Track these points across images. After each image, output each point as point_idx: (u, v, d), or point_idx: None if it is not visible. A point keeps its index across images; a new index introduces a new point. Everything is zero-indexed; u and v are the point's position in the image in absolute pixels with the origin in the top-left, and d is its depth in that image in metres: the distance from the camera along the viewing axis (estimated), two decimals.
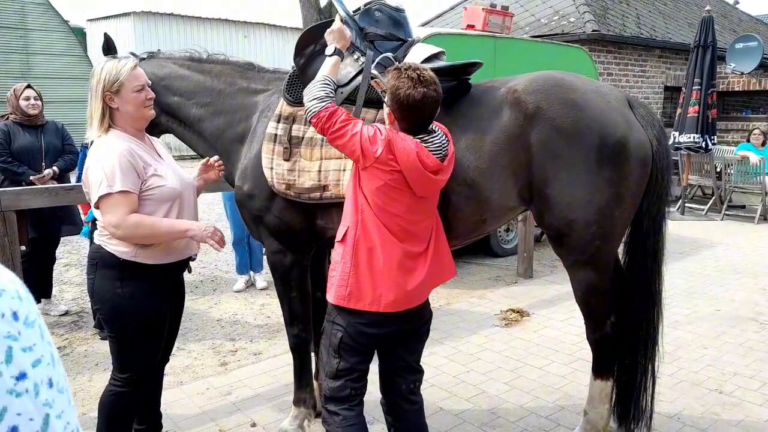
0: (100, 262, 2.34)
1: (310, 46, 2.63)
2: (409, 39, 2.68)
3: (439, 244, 2.34)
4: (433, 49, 2.67)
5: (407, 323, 2.30)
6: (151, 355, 2.48)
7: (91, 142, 2.37)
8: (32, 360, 0.65)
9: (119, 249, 2.31)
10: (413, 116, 2.14)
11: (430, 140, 2.18)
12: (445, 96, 2.33)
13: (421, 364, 2.48)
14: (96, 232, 2.39)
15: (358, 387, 2.32)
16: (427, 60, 2.57)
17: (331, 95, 2.26)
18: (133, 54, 2.81)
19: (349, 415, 2.29)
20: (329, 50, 2.42)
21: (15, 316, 0.64)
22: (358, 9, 2.66)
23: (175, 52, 3.03)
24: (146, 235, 2.28)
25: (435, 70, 2.36)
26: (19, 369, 0.63)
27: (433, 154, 2.16)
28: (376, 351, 2.39)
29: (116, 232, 2.25)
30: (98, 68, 2.34)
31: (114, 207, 2.22)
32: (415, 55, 2.59)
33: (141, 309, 2.36)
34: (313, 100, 2.22)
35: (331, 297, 2.25)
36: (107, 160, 2.23)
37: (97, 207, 2.29)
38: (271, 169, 2.61)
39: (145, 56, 2.95)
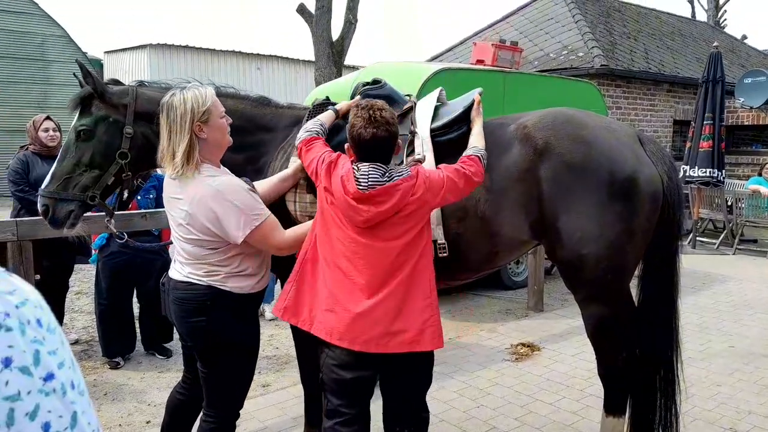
0: (214, 302, 2.27)
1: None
2: (407, 101, 2.75)
3: (411, 303, 2.18)
4: (432, 100, 2.75)
5: (379, 369, 2.22)
6: (249, 385, 2.53)
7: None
8: (57, 362, 0.69)
9: (240, 285, 2.30)
10: (366, 154, 2.19)
11: (360, 167, 2.18)
12: (459, 137, 2.56)
13: (425, 406, 2.38)
14: (192, 273, 2.29)
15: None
16: (436, 110, 2.71)
17: (317, 130, 2.46)
18: (116, 81, 2.74)
19: None
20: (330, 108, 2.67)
21: (39, 323, 0.69)
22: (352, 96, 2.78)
23: (170, 81, 2.78)
24: (302, 236, 2.35)
25: (452, 120, 2.62)
26: (47, 370, 0.67)
27: (357, 182, 2.14)
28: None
29: (284, 251, 2.34)
30: (177, 100, 2.21)
31: (273, 230, 2.28)
32: (423, 114, 2.69)
33: (257, 342, 2.47)
34: (303, 131, 2.47)
35: (274, 308, 2.37)
36: (235, 192, 2.19)
37: (243, 242, 2.23)
38: (294, 202, 2.64)
39: (135, 84, 2.74)
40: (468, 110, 2.64)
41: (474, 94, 2.70)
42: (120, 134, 2.58)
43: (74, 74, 2.91)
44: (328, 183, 2.22)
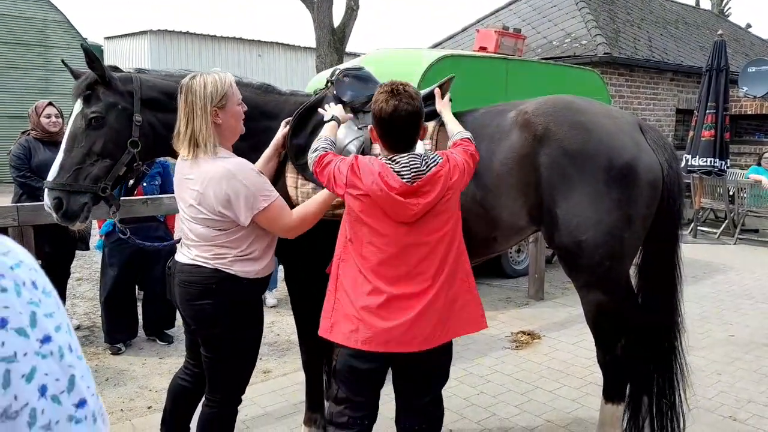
0: (219, 286, 2.28)
1: (307, 127, 2.70)
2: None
3: (454, 290, 2.18)
4: None
5: (396, 362, 2.19)
6: (252, 371, 2.53)
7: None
8: (54, 325, 0.68)
9: (246, 269, 2.30)
10: (390, 131, 2.10)
11: (398, 160, 2.08)
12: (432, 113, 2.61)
13: (441, 403, 2.35)
14: (199, 255, 2.30)
15: (357, 417, 2.24)
16: None
17: (324, 146, 2.31)
18: (115, 68, 2.63)
19: None
20: (327, 117, 2.51)
21: (34, 285, 0.68)
22: (330, 83, 2.83)
23: (172, 71, 2.79)
24: (311, 218, 2.36)
25: (424, 96, 2.61)
26: (44, 332, 0.66)
27: (399, 175, 2.04)
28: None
29: (292, 233, 2.34)
30: (197, 83, 2.22)
31: (281, 212, 2.29)
32: None
33: (260, 325, 2.48)
34: (312, 153, 2.32)
35: (319, 329, 2.25)
36: (246, 173, 2.22)
37: (250, 223, 2.24)
38: (296, 188, 2.65)
39: (133, 71, 2.67)
40: (440, 86, 2.72)
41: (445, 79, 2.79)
42: (129, 122, 2.51)
43: (62, 61, 2.86)
44: (360, 185, 2.07)
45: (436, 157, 2.12)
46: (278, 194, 2.32)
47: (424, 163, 2.08)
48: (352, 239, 2.15)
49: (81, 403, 0.69)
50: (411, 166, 2.05)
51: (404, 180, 2.03)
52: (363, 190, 2.06)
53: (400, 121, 2.06)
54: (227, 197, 2.20)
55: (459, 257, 2.20)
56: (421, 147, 2.57)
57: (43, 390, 0.64)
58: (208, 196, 2.20)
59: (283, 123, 2.71)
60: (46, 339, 0.66)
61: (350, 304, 2.13)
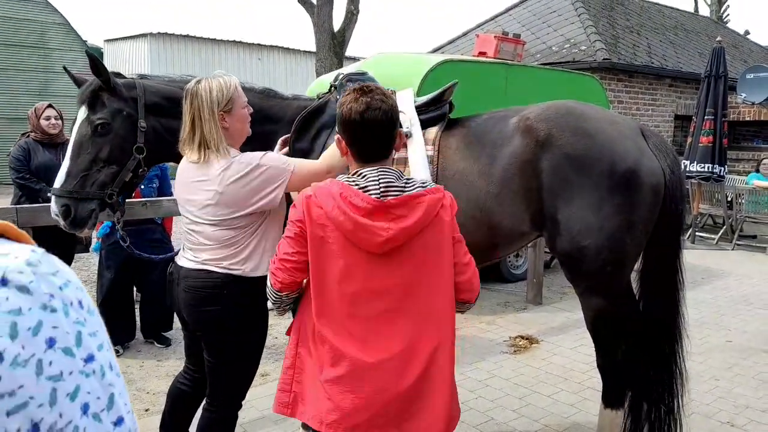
0: (228, 290, 2.24)
1: (310, 130, 2.74)
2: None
3: (436, 365, 1.76)
4: (408, 93, 2.83)
5: None
6: (253, 376, 2.50)
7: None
8: (97, 344, 0.70)
9: (255, 268, 2.27)
10: (363, 133, 1.73)
11: (365, 174, 1.72)
12: (440, 116, 2.67)
13: None
14: (209, 259, 2.25)
15: None
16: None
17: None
18: (118, 74, 2.64)
19: None
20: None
21: (80, 304, 0.70)
22: (333, 87, 2.85)
23: (173, 76, 2.81)
24: (337, 162, 2.26)
25: (431, 99, 2.74)
26: (87, 352, 0.68)
27: (365, 191, 1.68)
28: None
29: (329, 175, 2.24)
30: (203, 88, 2.20)
31: (306, 165, 2.26)
32: (405, 97, 2.76)
33: (264, 328, 2.44)
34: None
35: (274, 404, 1.88)
36: (257, 157, 2.20)
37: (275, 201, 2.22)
38: (300, 191, 2.65)
39: (136, 77, 2.67)
40: (443, 92, 2.76)
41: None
42: (134, 128, 2.53)
43: (64, 68, 2.87)
44: (320, 215, 1.71)
45: (427, 183, 1.78)
46: (292, 158, 2.32)
47: (402, 181, 1.73)
48: (314, 292, 1.77)
49: (119, 421, 0.71)
50: (380, 181, 1.69)
51: (373, 195, 1.67)
52: (324, 220, 1.70)
53: (374, 121, 1.70)
54: (257, 186, 2.17)
55: (448, 328, 1.83)
56: (422, 151, 2.58)
57: (85, 408, 0.66)
58: (231, 193, 2.16)
59: (279, 142, 2.68)
60: (90, 358, 0.68)
61: (313, 375, 1.78)
